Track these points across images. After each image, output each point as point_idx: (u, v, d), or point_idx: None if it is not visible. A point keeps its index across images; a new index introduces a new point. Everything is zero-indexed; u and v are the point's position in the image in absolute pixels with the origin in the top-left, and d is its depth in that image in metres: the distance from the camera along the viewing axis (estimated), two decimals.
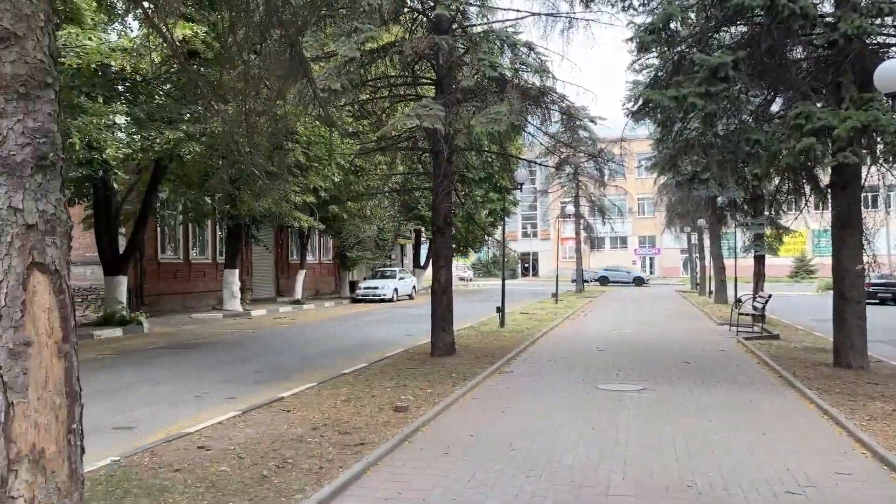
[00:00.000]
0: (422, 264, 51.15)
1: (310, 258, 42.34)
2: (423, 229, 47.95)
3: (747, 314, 19.58)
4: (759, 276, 25.77)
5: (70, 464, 4.21)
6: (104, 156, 12.75)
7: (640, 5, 12.87)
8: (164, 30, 7.06)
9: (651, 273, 78.51)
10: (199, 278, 32.30)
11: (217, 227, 31.89)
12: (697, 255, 45.98)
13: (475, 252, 60.42)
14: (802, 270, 64.95)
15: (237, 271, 29.00)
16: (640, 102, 11.73)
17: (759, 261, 25.98)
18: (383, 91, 13.60)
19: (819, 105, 10.29)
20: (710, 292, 36.48)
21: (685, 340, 17.70)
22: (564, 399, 9.82)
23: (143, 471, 6.13)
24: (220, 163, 17.26)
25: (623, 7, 12.82)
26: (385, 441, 7.17)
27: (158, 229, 29.26)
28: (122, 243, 23.30)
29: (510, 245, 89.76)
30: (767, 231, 24.50)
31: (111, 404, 9.96)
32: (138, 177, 22.65)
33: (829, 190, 12.35)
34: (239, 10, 7.82)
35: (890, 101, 8.86)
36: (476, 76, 10.29)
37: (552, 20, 13.17)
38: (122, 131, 13.83)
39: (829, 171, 12.23)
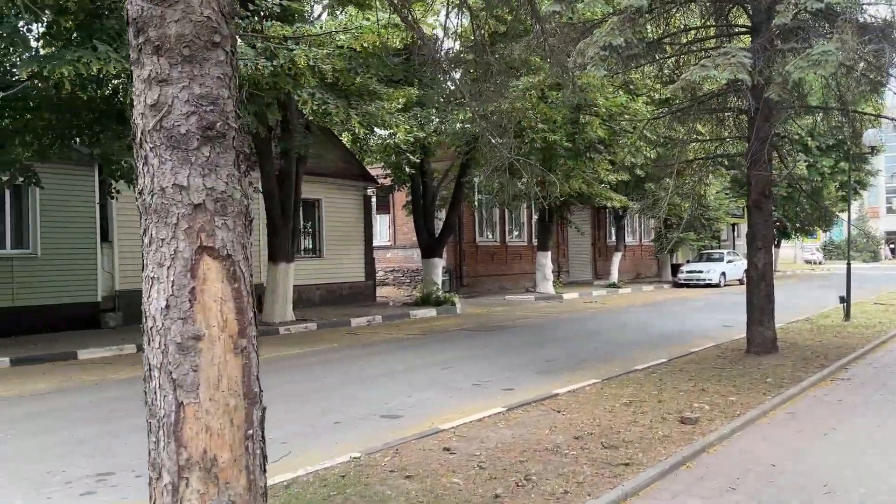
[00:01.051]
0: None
1: (629, 240, 40.89)
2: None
3: None
4: None
5: (248, 474, 3.73)
6: (395, 140, 13.01)
7: None
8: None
9: None
10: (515, 260, 32.86)
11: (531, 209, 32.08)
12: None
13: (823, 231, 53.39)
14: None
15: (549, 254, 28.78)
16: None
17: None
18: (680, 46, 11.84)
19: None
20: None
21: None
22: None
23: (375, 473, 5.69)
24: (512, 142, 16.82)
25: None
26: (656, 463, 5.89)
27: (476, 213, 30.28)
28: (439, 228, 24.34)
29: (869, 223, 78.26)
30: None
31: (394, 387, 10.00)
32: (451, 163, 23.44)
33: None
34: None
35: None
36: (795, 10, 8.23)
37: None
38: (411, 116, 14.00)
39: None
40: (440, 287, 22.86)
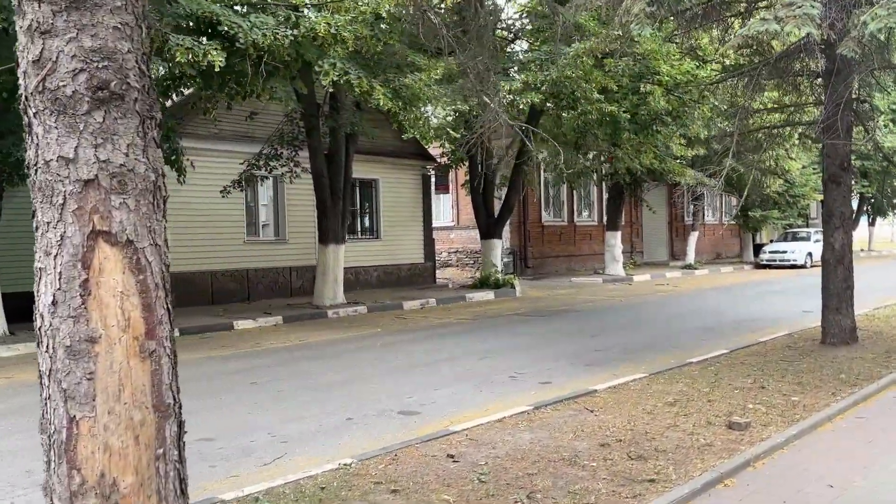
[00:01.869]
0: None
1: (709, 219, 39.03)
2: (852, 182, 40.82)
3: None
4: None
5: (159, 500, 3.16)
6: (434, 115, 12.27)
7: None
8: None
9: None
10: (584, 240, 31.71)
11: (601, 188, 30.83)
12: None
13: None
14: None
15: (619, 234, 27.55)
16: None
17: None
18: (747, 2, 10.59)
19: None
20: None
21: None
22: None
23: (360, 485, 5.08)
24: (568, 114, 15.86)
25: None
26: (687, 480, 5.07)
27: (541, 192, 29.26)
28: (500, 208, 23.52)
29: None
30: None
31: (424, 379, 9.41)
32: (511, 140, 22.54)
33: None
34: None
35: None
36: None
37: None
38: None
39: None
40: (499, 269, 22.09)
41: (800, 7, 7.24)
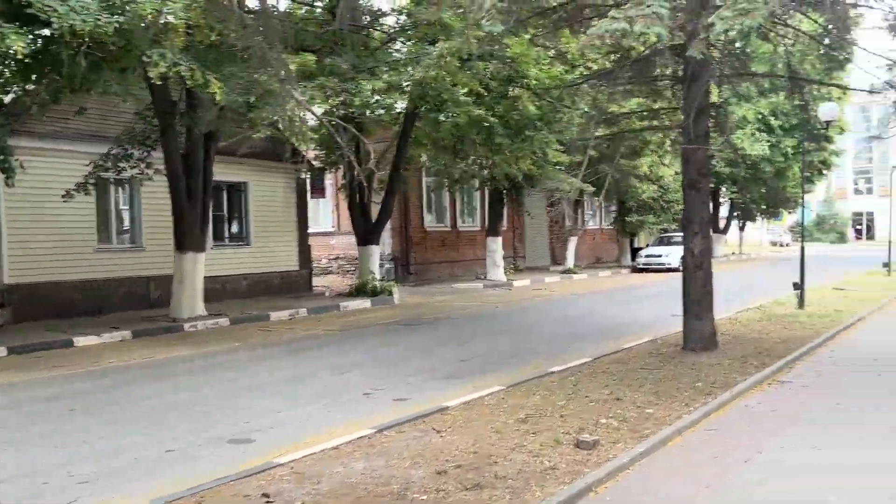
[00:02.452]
0: (721, 228, 45.84)
1: (590, 224, 39.81)
2: (723, 188, 42.65)
3: None
4: None
5: None
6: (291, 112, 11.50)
7: None
8: None
9: None
10: (468, 246, 31.52)
11: (484, 193, 30.78)
12: None
13: (789, 212, 52.63)
14: None
15: (499, 239, 27.55)
16: None
17: None
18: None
19: None
20: None
21: None
22: (863, 441, 6.35)
23: None
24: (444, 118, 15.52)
25: None
26: None
27: (424, 197, 28.90)
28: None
29: (837, 204, 78.13)
30: None
31: (267, 400, 8.69)
32: (388, 143, 22.06)
33: None
34: None
35: None
36: None
37: None
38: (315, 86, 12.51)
39: None
40: (377, 276, 21.50)
41: (649, 6, 7.05)
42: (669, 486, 5.29)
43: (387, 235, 27.02)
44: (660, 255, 32.37)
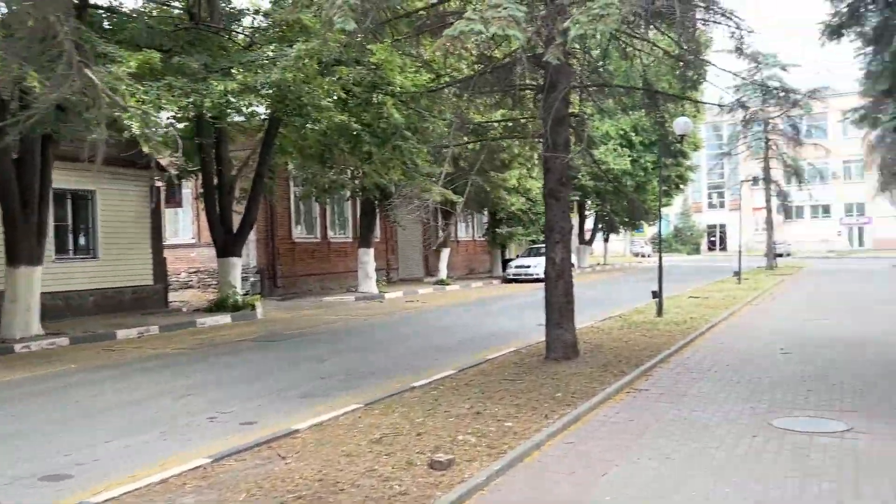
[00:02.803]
0: (587, 239, 47.34)
1: (463, 235, 40.11)
2: (588, 201, 44.03)
3: None
4: None
5: None
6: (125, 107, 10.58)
7: None
8: None
9: (860, 245, 69.31)
10: (339, 258, 30.84)
11: (355, 204, 30.24)
12: None
13: (649, 225, 55.18)
14: None
15: (371, 250, 27.14)
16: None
17: None
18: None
19: None
20: None
21: None
22: (715, 449, 6.33)
23: None
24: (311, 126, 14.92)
25: None
26: None
27: (292, 207, 28.02)
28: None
29: (693, 217, 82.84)
30: None
31: (96, 428, 7.81)
32: (251, 150, 21.17)
33: None
34: None
35: None
36: None
37: None
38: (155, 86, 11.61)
39: None
40: (238, 290, 20.50)
41: (506, 9, 6.86)
42: None
43: (252, 247, 25.98)
44: (528, 266, 32.91)
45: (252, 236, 23.70)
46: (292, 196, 27.65)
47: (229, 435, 7.33)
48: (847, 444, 6.44)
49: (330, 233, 30.72)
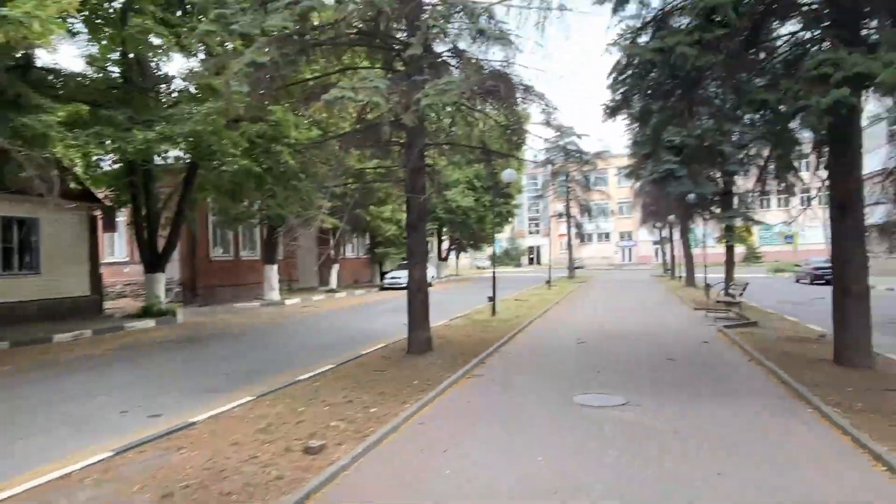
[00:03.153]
0: (443, 256, 47.64)
1: (349, 253, 39.15)
2: (444, 228, 44.39)
3: (723, 301, 15.69)
4: (729, 263, 21.68)
5: None
6: (51, 153, 9.35)
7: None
8: None
9: (630, 260, 74.27)
10: (250, 272, 29.07)
11: (261, 228, 28.72)
12: (668, 245, 41.77)
13: (488, 246, 56.26)
14: (751, 257, 59.73)
15: (275, 266, 25.80)
16: (623, 62, 7.93)
17: (730, 250, 21.89)
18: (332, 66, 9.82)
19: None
20: (680, 277, 32.45)
21: (666, 329, 13.84)
22: (531, 424, 6.20)
23: None
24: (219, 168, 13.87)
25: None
26: None
27: (211, 232, 26.18)
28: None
29: (518, 240, 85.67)
30: (738, 223, 20.44)
31: (10, 428, 6.63)
32: (174, 188, 19.54)
33: (828, 174, 8.48)
34: None
35: None
36: (424, 41, 6.75)
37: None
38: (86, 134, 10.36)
39: (826, 154, 8.41)
40: (162, 299, 18.75)
41: (371, 81, 6.49)
42: (380, 484, 4.61)
43: (176, 264, 24.04)
44: (399, 278, 32.45)
45: (176, 255, 21.90)
46: (210, 224, 25.86)
47: (137, 428, 6.42)
48: (627, 415, 6.48)
49: (242, 252, 28.94)
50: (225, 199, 19.84)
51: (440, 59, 7.57)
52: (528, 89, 9.01)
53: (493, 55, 8.21)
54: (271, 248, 25.89)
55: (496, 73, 7.60)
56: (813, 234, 52.40)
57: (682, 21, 8.13)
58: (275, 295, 25.37)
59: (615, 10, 7.89)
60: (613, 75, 8.98)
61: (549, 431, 5.85)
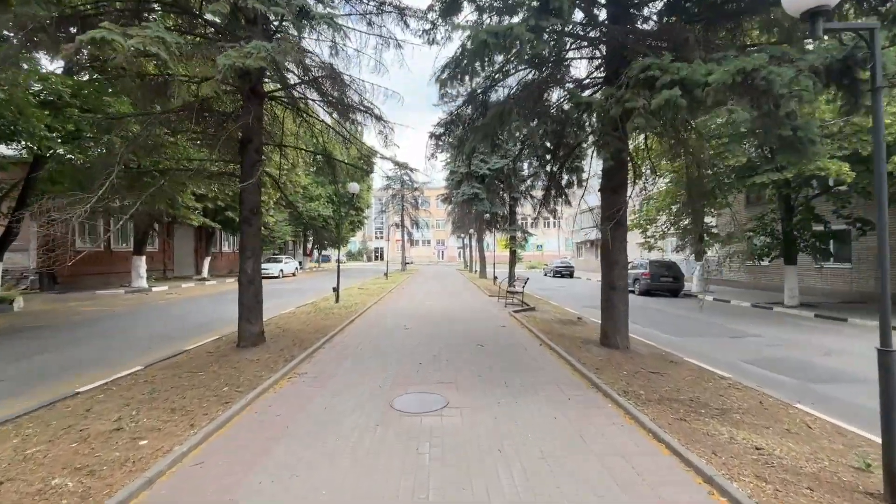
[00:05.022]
0: (309, 252, 43.07)
1: (225, 247, 33.11)
2: (308, 231, 39.92)
3: (512, 292, 14.99)
4: (512, 263, 21.63)
5: None
6: None
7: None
8: None
9: (442, 259, 75.65)
10: (122, 263, 22.47)
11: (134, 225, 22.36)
12: (468, 248, 42.56)
13: (344, 246, 52.53)
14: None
15: (143, 257, 20.07)
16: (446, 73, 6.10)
17: (513, 253, 21.86)
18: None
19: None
20: (475, 271, 32.82)
21: (472, 312, 12.54)
22: (337, 453, 3.99)
23: None
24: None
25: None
26: None
27: (76, 224, 19.46)
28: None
29: (368, 243, 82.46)
30: (519, 234, 20.37)
31: None
32: (18, 180, 13.63)
33: (600, 193, 7.51)
34: None
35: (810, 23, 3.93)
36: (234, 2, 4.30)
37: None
38: None
39: (602, 176, 7.46)
40: None
41: (154, 31, 3.72)
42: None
43: (32, 253, 17.44)
44: (268, 269, 27.92)
45: (33, 244, 15.66)
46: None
47: None
48: (446, 421, 4.57)
49: (115, 244, 22.31)
50: (81, 192, 14.38)
51: (254, 30, 4.98)
52: (361, 95, 6.76)
53: (322, 35, 5.96)
54: (141, 241, 20.14)
55: (324, 64, 5.26)
56: (551, 244, 58.83)
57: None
58: (142, 283, 19.68)
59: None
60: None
61: (365, 450, 3.71)
